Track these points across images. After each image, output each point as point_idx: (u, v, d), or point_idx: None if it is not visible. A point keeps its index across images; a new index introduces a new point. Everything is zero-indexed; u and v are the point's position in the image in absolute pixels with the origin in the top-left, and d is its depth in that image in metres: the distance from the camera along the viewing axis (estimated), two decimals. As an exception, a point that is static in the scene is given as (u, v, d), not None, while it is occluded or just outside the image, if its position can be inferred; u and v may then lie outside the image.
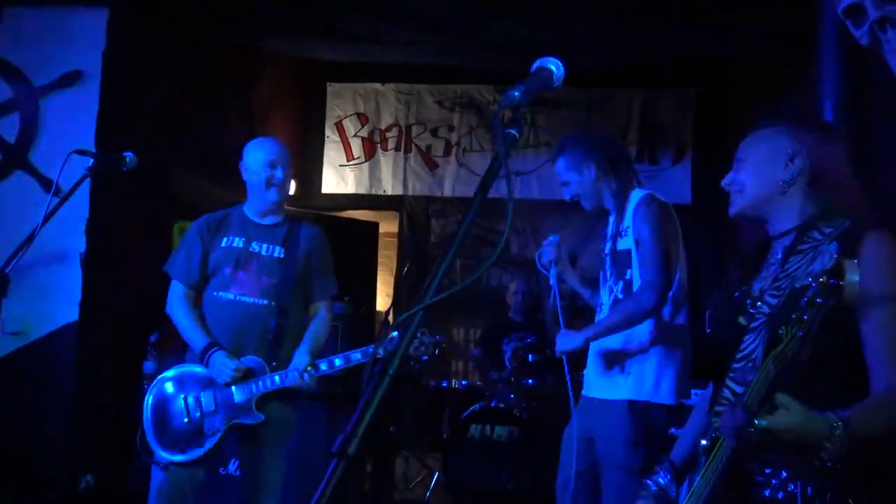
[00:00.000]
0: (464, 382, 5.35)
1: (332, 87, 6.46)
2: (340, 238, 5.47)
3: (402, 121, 6.36)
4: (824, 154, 1.64)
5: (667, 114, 6.11)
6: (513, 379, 4.48)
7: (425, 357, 2.59)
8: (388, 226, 6.43)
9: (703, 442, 1.55)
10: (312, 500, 0.81)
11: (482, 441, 4.33)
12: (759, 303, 1.61)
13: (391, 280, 6.64)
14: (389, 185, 6.33)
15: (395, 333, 0.96)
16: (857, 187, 1.65)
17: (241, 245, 2.79)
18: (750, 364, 1.55)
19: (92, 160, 2.44)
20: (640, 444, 2.45)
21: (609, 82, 6.08)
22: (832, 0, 2.56)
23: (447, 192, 6.27)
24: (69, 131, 3.73)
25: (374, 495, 4.29)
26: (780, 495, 1.42)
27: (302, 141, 6.38)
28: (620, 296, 2.54)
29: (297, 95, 6.41)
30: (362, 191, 6.36)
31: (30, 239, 2.25)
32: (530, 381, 4.48)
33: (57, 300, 3.63)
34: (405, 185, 6.31)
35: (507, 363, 4.65)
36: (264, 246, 2.81)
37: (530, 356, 4.47)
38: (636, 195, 2.59)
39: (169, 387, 2.71)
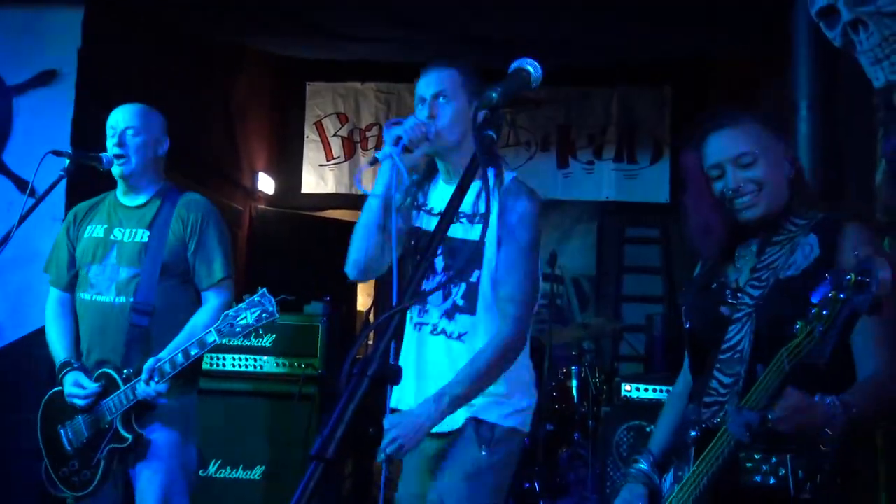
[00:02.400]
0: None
1: (311, 87, 6.43)
2: (321, 238, 5.46)
3: (382, 120, 6.34)
4: (795, 152, 1.72)
5: (644, 112, 6.15)
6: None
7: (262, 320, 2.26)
8: (369, 225, 6.41)
9: (693, 433, 1.56)
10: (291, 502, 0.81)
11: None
12: (739, 293, 1.60)
13: (371, 280, 6.62)
14: (370, 185, 6.30)
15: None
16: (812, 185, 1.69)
17: (100, 234, 2.44)
18: (737, 355, 1.55)
19: (67, 160, 2.41)
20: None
21: (587, 81, 6.11)
22: (806, 2, 2.59)
23: (427, 190, 6.27)
24: (43, 131, 3.68)
25: (354, 497, 4.28)
26: (772, 480, 1.44)
27: (282, 140, 6.35)
28: (461, 302, 1.96)
29: (276, 95, 6.38)
30: (342, 190, 6.34)
31: (5, 240, 2.22)
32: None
33: (32, 302, 3.58)
34: (385, 185, 6.29)
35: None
36: (127, 231, 2.42)
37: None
38: (506, 173, 2.00)
39: (51, 412, 2.45)
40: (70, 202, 3.62)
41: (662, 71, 5.98)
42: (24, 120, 3.73)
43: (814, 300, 1.29)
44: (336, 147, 6.39)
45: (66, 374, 2.35)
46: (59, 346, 2.44)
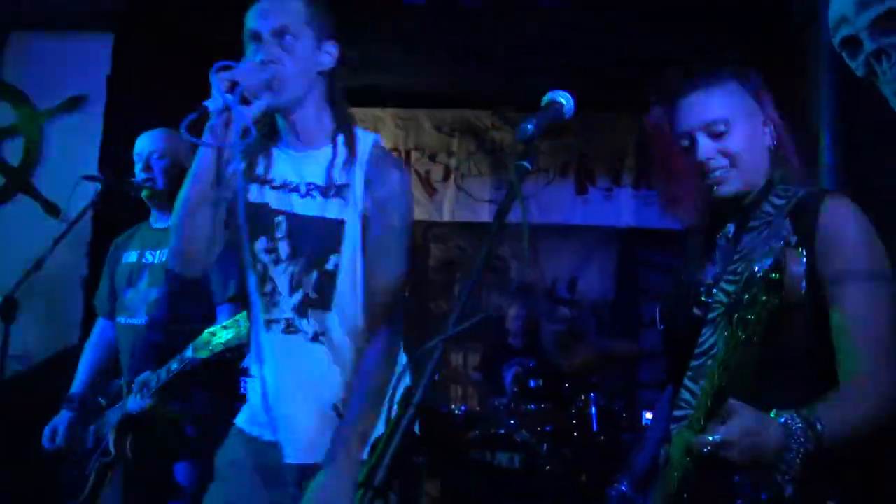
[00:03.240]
0: (463, 408, 5.34)
1: (331, 112, 6.50)
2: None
3: (400, 145, 6.39)
4: (777, 116, 1.47)
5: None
6: (513, 405, 4.48)
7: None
8: (387, 249, 6.44)
9: (662, 451, 1.41)
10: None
11: (483, 467, 4.32)
12: (714, 290, 1.41)
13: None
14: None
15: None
16: (801, 153, 1.47)
17: (134, 259, 2.48)
18: (710, 361, 1.34)
19: (100, 185, 2.46)
20: None
21: (606, 108, 6.14)
22: (828, 31, 2.61)
23: (446, 216, 6.30)
24: (72, 155, 3.76)
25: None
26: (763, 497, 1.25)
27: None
28: (313, 295, 1.59)
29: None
30: (361, 213, 6.38)
31: (38, 264, 2.26)
32: (531, 406, 4.47)
33: (58, 323, 3.63)
34: (404, 210, 6.33)
35: (506, 388, 4.64)
36: (157, 253, 2.43)
37: (531, 382, 4.47)
38: (365, 136, 1.65)
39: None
40: (97, 226, 3.68)
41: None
42: (54, 144, 3.81)
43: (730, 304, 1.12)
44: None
45: (63, 408, 2.47)
46: (77, 377, 2.53)
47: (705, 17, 3.70)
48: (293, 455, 1.61)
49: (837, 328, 1.30)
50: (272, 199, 1.64)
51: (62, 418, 2.48)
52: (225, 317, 2.35)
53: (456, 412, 5.12)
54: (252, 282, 1.66)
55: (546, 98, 1.31)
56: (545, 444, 4.23)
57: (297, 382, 1.62)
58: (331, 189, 1.60)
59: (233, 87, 1.44)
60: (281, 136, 1.66)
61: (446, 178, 6.33)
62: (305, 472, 1.56)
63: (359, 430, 1.51)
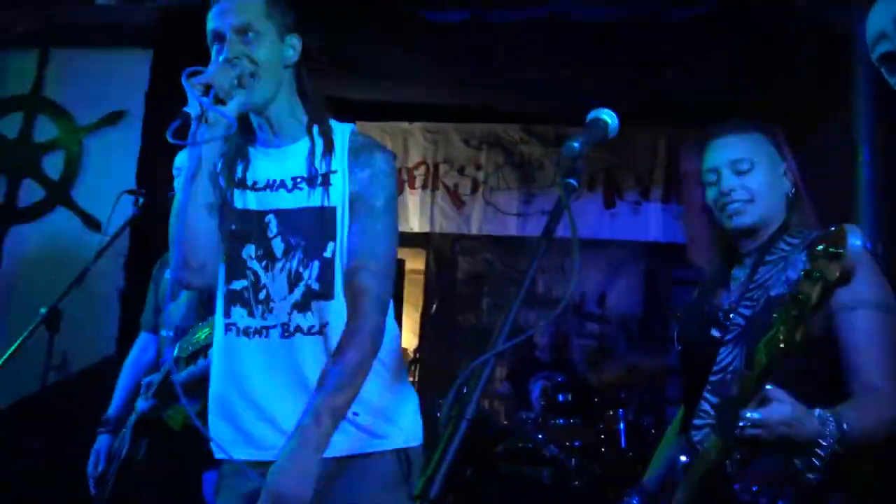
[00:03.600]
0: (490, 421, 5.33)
1: (360, 126, 6.52)
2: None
3: (429, 159, 6.43)
4: (797, 168, 1.62)
5: (691, 153, 6.11)
6: (541, 419, 4.46)
7: None
8: (415, 263, 6.47)
9: (683, 458, 1.49)
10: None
11: (511, 482, 4.30)
12: (732, 314, 1.53)
13: (417, 317, 6.66)
14: (417, 223, 6.39)
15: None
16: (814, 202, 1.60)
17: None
18: (728, 376, 1.47)
19: (141, 199, 2.51)
20: None
21: (634, 122, 6.13)
22: (866, 47, 2.60)
23: (474, 229, 6.31)
24: (111, 169, 3.83)
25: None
26: None
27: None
28: (316, 286, 1.56)
29: (326, 134, 6.52)
30: (389, 226, 6.42)
31: (81, 276, 2.31)
32: (560, 420, 4.45)
33: (95, 334, 3.69)
34: (432, 223, 6.36)
35: (534, 402, 4.63)
36: None
37: (560, 396, 4.45)
38: (340, 126, 1.66)
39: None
40: (134, 239, 3.75)
41: (709, 112, 5.97)
42: (93, 158, 3.90)
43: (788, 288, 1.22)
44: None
45: (99, 433, 2.48)
46: (115, 398, 2.56)
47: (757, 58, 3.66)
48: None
49: (846, 349, 1.41)
50: (257, 201, 1.61)
51: (101, 443, 2.51)
52: None
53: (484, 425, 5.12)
54: (238, 291, 1.61)
55: (590, 116, 1.32)
56: (573, 459, 4.21)
57: (293, 382, 1.57)
58: (317, 178, 1.58)
59: (207, 90, 1.43)
60: (257, 136, 1.64)
61: (474, 191, 6.35)
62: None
63: (332, 404, 1.44)
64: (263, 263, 1.60)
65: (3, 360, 2.17)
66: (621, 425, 4.39)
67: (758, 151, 1.58)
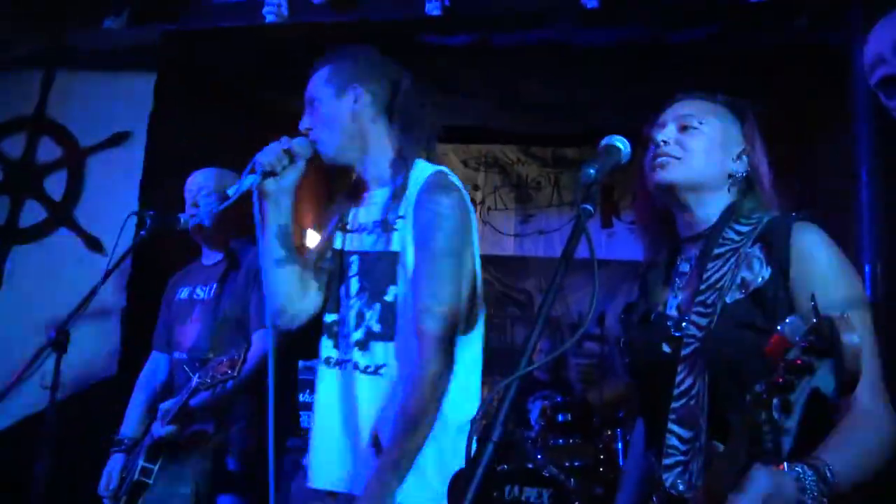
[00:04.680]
0: (489, 441, 5.31)
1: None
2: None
3: (429, 180, 6.45)
4: (763, 155, 1.47)
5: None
6: (540, 439, 4.46)
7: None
8: (413, 282, 6.46)
9: (655, 499, 1.32)
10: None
11: (511, 503, 4.29)
12: (683, 324, 1.35)
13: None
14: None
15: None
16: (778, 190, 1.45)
17: (185, 295, 2.56)
18: (692, 401, 1.28)
19: (149, 221, 2.51)
20: None
21: (631, 141, 6.17)
22: (864, 71, 2.65)
23: (472, 249, 6.32)
24: (114, 190, 3.83)
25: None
26: None
27: (332, 198, 6.49)
28: (377, 327, 1.64)
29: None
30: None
31: (89, 296, 2.30)
32: (560, 440, 4.45)
33: (96, 355, 3.68)
34: (430, 243, 6.36)
35: (533, 422, 4.62)
36: (206, 288, 2.50)
37: (560, 416, 4.45)
38: (423, 168, 1.71)
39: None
40: (137, 260, 3.75)
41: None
42: (96, 179, 3.89)
43: (757, 386, 0.96)
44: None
45: (111, 452, 2.49)
46: (128, 418, 2.56)
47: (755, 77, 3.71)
48: (325, 481, 1.66)
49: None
50: (348, 243, 1.77)
51: (114, 463, 2.50)
52: (259, 343, 2.38)
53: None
54: (329, 324, 1.76)
55: (603, 142, 1.35)
56: (573, 480, 4.19)
57: (348, 417, 1.65)
58: (388, 223, 1.68)
59: (253, 169, 1.65)
60: (363, 185, 1.79)
61: (472, 211, 6.37)
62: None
63: (392, 460, 1.49)
64: (345, 301, 1.73)
65: (12, 382, 2.15)
66: (619, 445, 4.38)
67: (713, 118, 1.46)
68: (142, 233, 2.50)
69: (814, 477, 1.08)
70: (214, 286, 2.51)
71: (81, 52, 3.86)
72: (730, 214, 1.40)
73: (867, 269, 2.50)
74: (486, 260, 6.20)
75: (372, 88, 1.74)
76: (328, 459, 1.67)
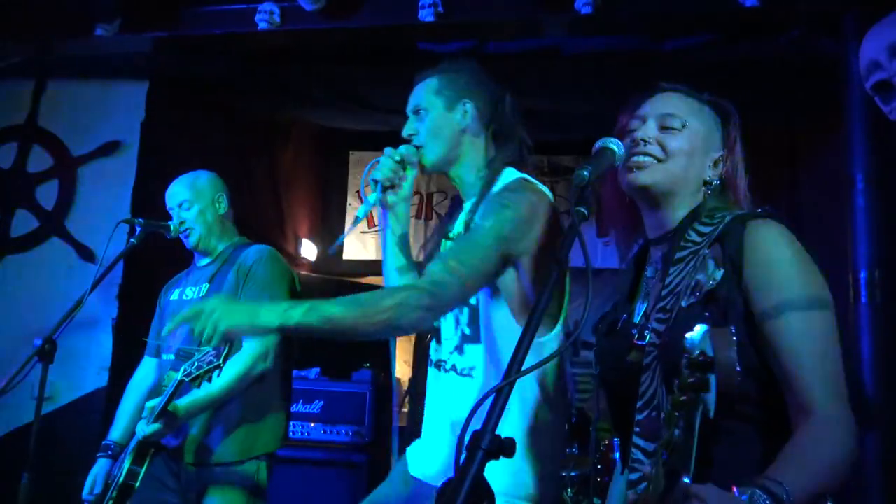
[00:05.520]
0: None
1: (354, 156, 6.57)
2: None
3: (423, 189, 6.45)
4: (741, 160, 1.42)
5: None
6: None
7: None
8: (408, 291, 6.43)
9: None
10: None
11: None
12: (645, 331, 1.30)
13: (409, 347, 6.62)
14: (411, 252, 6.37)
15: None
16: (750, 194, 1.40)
17: (177, 297, 2.55)
18: (654, 413, 1.22)
19: (139, 228, 2.50)
20: None
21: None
22: (859, 76, 2.64)
23: (467, 258, 6.30)
24: (105, 200, 3.81)
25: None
26: None
27: (325, 208, 6.48)
28: (468, 330, 1.73)
29: (320, 163, 6.54)
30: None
31: (77, 305, 2.28)
32: (557, 450, 4.40)
33: (86, 365, 3.64)
34: (426, 252, 6.35)
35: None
36: (196, 289, 2.48)
37: (558, 425, 4.41)
38: (509, 174, 1.79)
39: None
40: (128, 267, 3.71)
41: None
42: (87, 189, 3.87)
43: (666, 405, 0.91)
44: (377, 214, 6.46)
45: (98, 457, 2.48)
46: (116, 423, 2.55)
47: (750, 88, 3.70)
48: (420, 472, 1.78)
49: (779, 365, 1.16)
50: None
51: (100, 468, 2.48)
52: (251, 344, 2.35)
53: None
54: (437, 327, 1.84)
55: (597, 145, 1.33)
56: (570, 490, 4.16)
57: (446, 416, 1.75)
58: (469, 225, 1.74)
59: (376, 184, 1.79)
60: (461, 197, 1.89)
61: (467, 220, 6.35)
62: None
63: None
64: None
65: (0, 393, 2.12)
66: (616, 455, 4.34)
67: (697, 120, 1.40)
68: (132, 240, 2.50)
69: (769, 501, 1.00)
70: (205, 286, 2.48)
71: (73, 60, 3.84)
72: (693, 215, 1.36)
73: (863, 274, 2.48)
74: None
75: (479, 104, 1.83)
76: (426, 453, 1.81)
